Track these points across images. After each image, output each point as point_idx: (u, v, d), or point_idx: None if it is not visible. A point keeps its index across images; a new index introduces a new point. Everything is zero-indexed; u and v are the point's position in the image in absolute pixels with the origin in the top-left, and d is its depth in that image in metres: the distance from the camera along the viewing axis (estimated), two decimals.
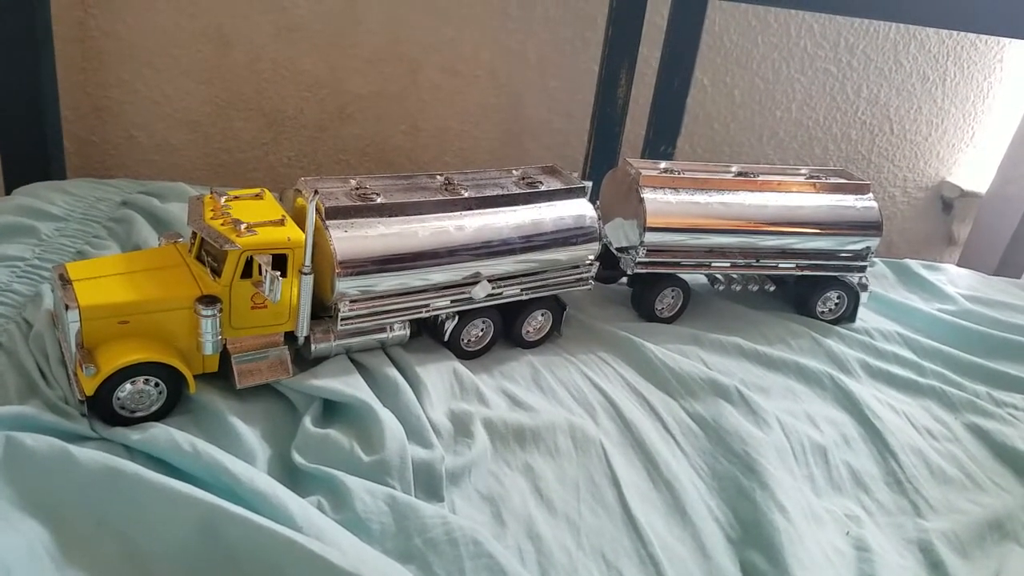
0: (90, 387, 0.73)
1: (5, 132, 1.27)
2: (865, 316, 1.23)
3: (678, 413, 0.93)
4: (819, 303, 1.20)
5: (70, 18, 1.37)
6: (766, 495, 0.79)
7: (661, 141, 1.52)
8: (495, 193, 0.98)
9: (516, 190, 1.01)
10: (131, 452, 0.73)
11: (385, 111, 1.57)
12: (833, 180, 1.20)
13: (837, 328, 1.18)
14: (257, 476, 0.68)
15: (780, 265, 1.16)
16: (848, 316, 1.21)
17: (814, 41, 1.68)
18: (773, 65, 1.68)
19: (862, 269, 1.19)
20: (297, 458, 0.75)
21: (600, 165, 1.50)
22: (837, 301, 1.21)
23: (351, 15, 1.47)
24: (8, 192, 1.24)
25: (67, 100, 1.38)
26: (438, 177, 0.99)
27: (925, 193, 1.93)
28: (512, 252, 0.97)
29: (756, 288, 1.19)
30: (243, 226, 0.79)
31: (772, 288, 1.20)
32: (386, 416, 0.79)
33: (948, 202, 1.94)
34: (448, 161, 1.64)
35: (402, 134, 1.60)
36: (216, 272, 0.80)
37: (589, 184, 1.06)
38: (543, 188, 1.02)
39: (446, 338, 0.97)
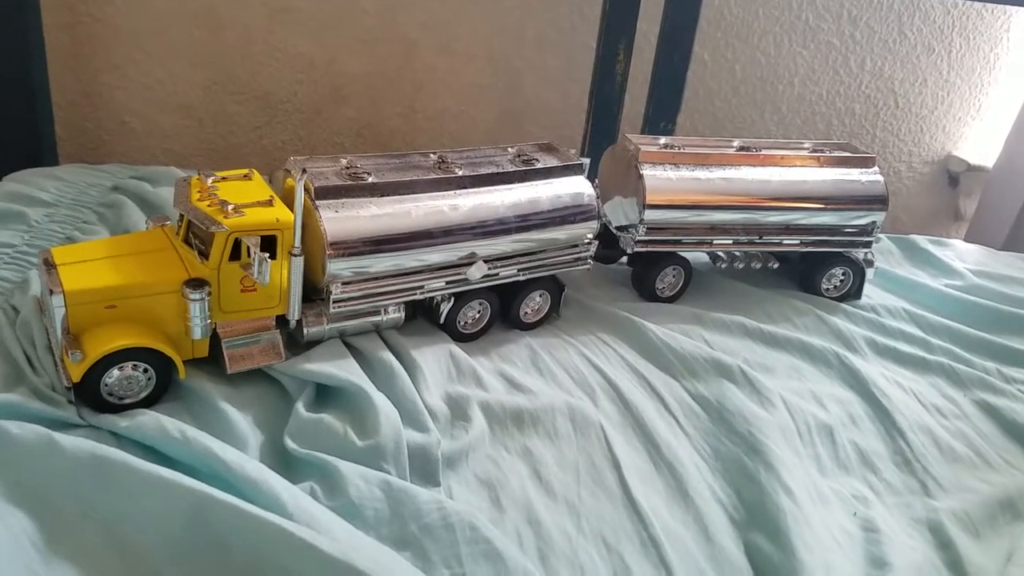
0: (77, 373, 0.72)
1: None
2: (871, 293, 1.21)
3: (680, 394, 0.92)
4: (824, 280, 1.18)
5: (59, 2, 1.34)
6: (771, 476, 0.78)
7: (661, 118, 1.49)
8: (490, 171, 0.96)
9: (512, 168, 0.98)
10: (119, 439, 0.71)
11: (380, 93, 1.54)
12: (837, 154, 1.17)
13: (843, 305, 1.16)
14: (248, 463, 0.67)
15: (784, 242, 1.13)
16: (854, 293, 1.19)
17: (816, 13, 1.65)
18: (775, 39, 1.65)
19: (868, 245, 1.17)
20: (290, 443, 0.73)
21: (599, 143, 1.47)
22: (842, 278, 1.18)
23: None
24: None
25: (58, 86, 1.35)
26: (431, 156, 0.97)
27: (931, 167, 1.90)
28: (508, 231, 0.95)
29: (759, 266, 1.17)
30: (230, 207, 0.77)
31: (776, 265, 1.17)
32: (380, 400, 0.78)
33: (954, 176, 1.91)
34: (444, 143, 1.61)
35: (398, 116, 1.57)
36: (204, 255, 0.78)
37: (587, 161, 1.03)
38: (539, 165, 1.00)
39: (442, 320, 0.95)
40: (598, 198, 1.02)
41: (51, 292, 0.71)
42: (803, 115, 1.74)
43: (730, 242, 1.11)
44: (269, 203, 0.80)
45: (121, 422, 0.71)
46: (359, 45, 1.49)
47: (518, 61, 1.57)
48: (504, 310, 1.00)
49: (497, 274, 0.96)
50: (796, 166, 1.12)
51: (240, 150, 1.53)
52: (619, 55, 1.42)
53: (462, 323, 0.97)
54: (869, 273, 1.18)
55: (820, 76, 1.71)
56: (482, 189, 0.95)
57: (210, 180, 0.82)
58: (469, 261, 0.93)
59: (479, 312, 0.98)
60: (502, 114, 1.61)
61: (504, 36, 1.54)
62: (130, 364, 0.74)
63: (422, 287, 0.91)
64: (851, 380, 0.99)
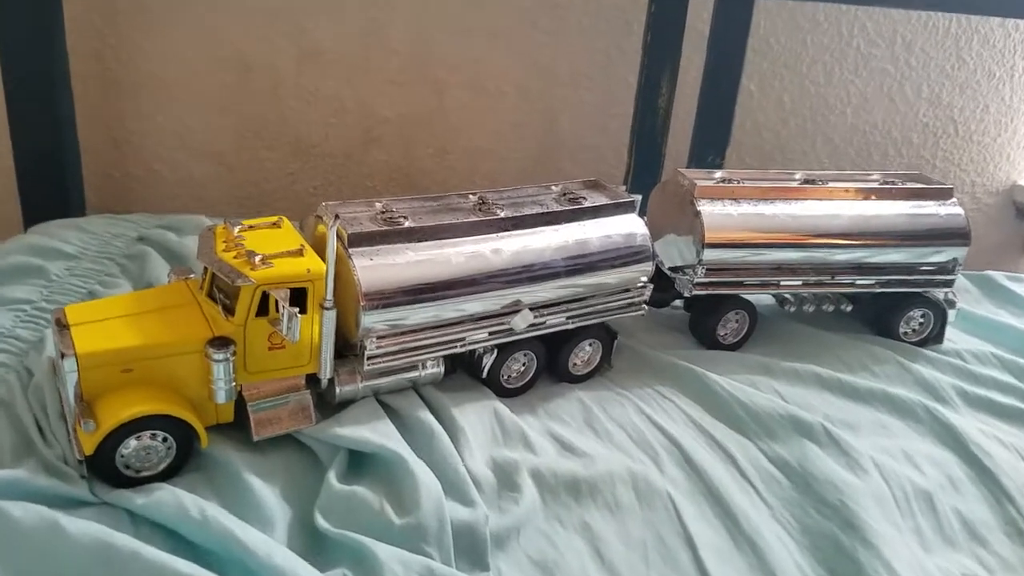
0: (90, 445, 0.65)
1: (23, 168, 1.22)
2: (953, 336, 1.10)
3: (755, 456, 0.82)
4: (902, 323, 1.07)
5: (87, 49, 1.32)
6: (870, 554, 0.67)
7: (708, 151, 1.41)
8: (534, 211, 0.89)
9: (557, 207, 0.91)
10: (134, 519, 0.64)
11: (412, 134, 1.49)
12: (910, 185, 1.08)
13: (924, 351, 1.05)
14: (274, 549, 0.59)
15: (856, 282, 1.04)
16: (935, 336, 1.09)
17: (868, 40, 1.57)
18: (825, 67, 1.57)
19: (948, 284, 1.07)
20: (321, 522, 0.66)
21: (642, 179, 1.39)
22: (922, 320, 1.08)
23: (375, 37, 1.40)
24: (26, 229, 1.19)
25: (87, 134, 1.32)
26: (471, 196, 0.90)
27: (996, 198, 1.79)
28: (555, 276, 0.87)
29: (831, 308, 1.07)
30: (258, 258, 0.71)
31: (849, 308, 1.07)
32: (420, 470, 0.70)
33: (1021, 207, 1.80)
34: (478, 183, 1.55)
35: (430, 157, 1.52)
36: (229, 310, 0.71)
37: (638, 197, 0.96)
38: (587, 204, 0.92)
39: (484, 374, 0.87)
40: (651, 238, 0.94)
41: (63, 355, 0.65)
42: (857, 145, 1.65)
43: (798, 283, 1.02)
44: (299, 253, 0.73)
45: (137, 499, 0.64)
46: (389, 87, 1.45)
47: (552, 98, 1.51)
48: (551, 361, 0.91)
49: (544, 322, 0.88)
50: (867, 199, 1.03)
51: (271, 196, 1.49)
52: (662, 88, 1.35)
53: (506, 377, 0.89)
54: (951, 315, 1.08)
55: (874, 105, 1.62)
56: (526, 231, 0.87)
57: (237, 229, 0.76)
58: (514, 309, 0.86)
59: (524, 364, 0.90)
60: (538, 152, 1.55)
61: (537, 73, 1.48)
62: (148, 433, 0.67)
63: (463, 339, 0.84)
64: (945, 436, 0.89)
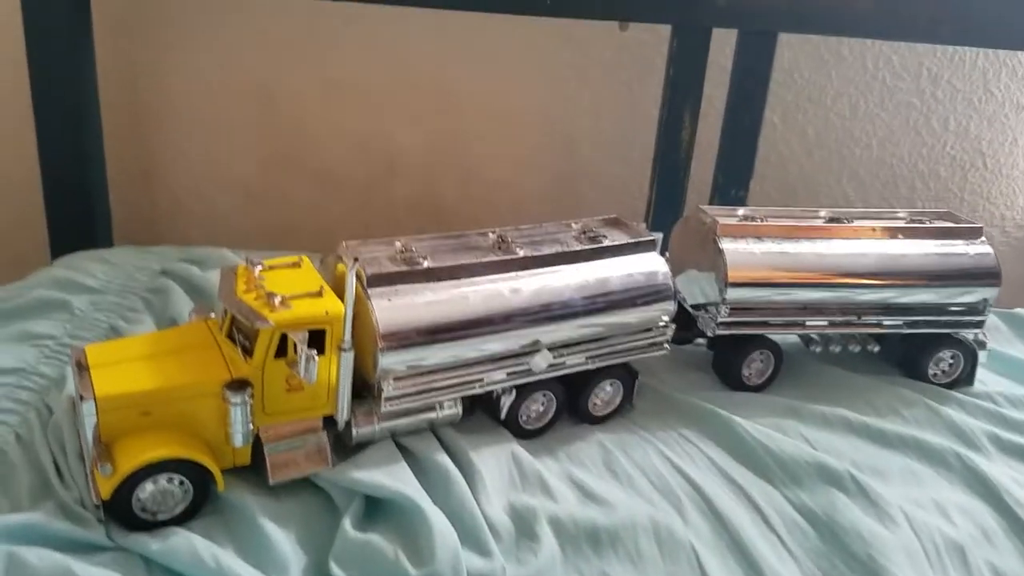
0: (107, 489, 0.65)
1: (51, 199, 1.24)
2: (985, 378, 1.07)
3: (782, 505, 0.80)
4: (931, 364, 1.05)
5: (117, 81, 1.35)
6: None
7: (731, 185, 1.40)
8: (554, 250, 0.88)
9: (577, 246, 0.90)
10: (149, 565, 0.63)
11: (435, 164, 1.50)
12: (938, 224, 1.06)
13: (955, 393, 1.02)
14: None
15: (884, 322, 1.02)
16: (965, 378, 1.06)
17: (893, 72, 1.55)
18: (850, 100, 1.55)
19: (979, 324, 1.04)
20: (336, 570, 0.65)
21: (664, 213, 1.38)
22: (951, 361, 1.05)
23: (398, 69, 1.42)
24: (53, 260, 1.20)
25: (115, 165, 1.34)
26: (490, 234, 0.89)
27: None
28: (575, 316, 0.86)
29: (858, 348, 1.04)
30: (277, 300, 0.71)
31: (876, 348, 1.05)
32: (436, 518, 0.68)
33: None
34: (500, 213, 1.55)
35: (453, 187, 1.52)
36: (248, 351, 0.71)
37: (659, 236, 0.95)
38: (607, 243, 0.92)
39: (503, 416, 0.86)
40: (672, 276, 0.93)
41: (82, 397, 0.65)
42: (883, 179, 1.63)
43: (824, 323, 1.00)
44: (319, 294, 0.73)
45: (152, 544, 0.64)
46: (413, 118, 1.46)
47: (574, 129, 1.51)
48: (571, 402, 0.90)
49: (563, 363, 0.87)
50: (894, 238, 1.01)
51: (295, 226, 1.50)
52: (684, 122, 1.34)
53: (524, 418, 0.87)
54: (982, 356, 1.05)
55: (900, 138, 1.60)
56: (545, 270, 0.86)
57: (257, 269, 0.76)
58: (532, 350, 0.85)
59: (543, 405, 0.89)
60: (559, 183, 1.55)
61: (559, 105, 1.49)
62: (165, 476, 0.67)
63: (481, 380, 0.83)
64: (977, 485, 0.86)
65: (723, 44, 1.37)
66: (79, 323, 0.93)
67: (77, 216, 1.26)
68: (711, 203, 1.42)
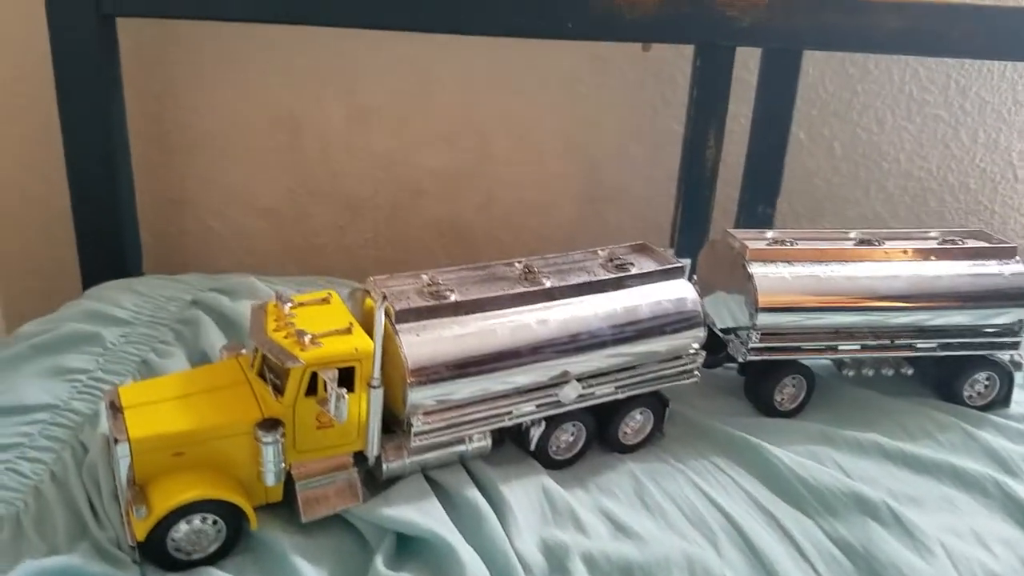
0: (142, 531, 0.65)
1: (82, 229, 1.26)
2: (1021, 399, 1.05)
3: (817, 537, 0.78)
4: (966, 386, 1.03)
5: (145, 112, 1.37)
6: None
7: (758, 202, 1.39)
8: (581, 280, 0.88)
9: (604, 274, 0.90)
10: None
11: (459, 187, 1.50)
12: (972, 244, 1.04)
13: (991, 416, 1.00)
14: None
15: (917, 345, 1.00)
16: (1001, 400, 1.03)
17: (920, 86, 1.53)
18: (876, 114, 1.53)
19: (1015, 346, 1.02)
20: None
21: (690, 233, 1.37)
22: (987, 383, 1.03)
23: (422, 94, 1.42)
24: (86, 289, 1.22)
25: (143, 193, 1.36)
26: (517, 264, 0.89)
27: None
28: (603, 346, 0.86)
29: (891, 372, 1.03)
30: (307, 338, 0.71)
31: (910, 371, 1.03)
32: (468, 557, 0.68)
33: None
34: (524, 235, 1.55)
35: (477, 209, 1.52)
36: (279, 389, 0.71)
37: (688, 262, 0.94)
38: (635, 270, 0.91)
39: (532, 447, 0.85)
40: (702, 302, 0.92)
41: (116, 440, 0.66)
42: (912, 192, 1.61)
43: (857, 347, 0.98)
44: (348, 331, 0.73)
45: None
46: (437, 140, 1.46)
47: (597, 148, 1.51)
48: (601, 431, 0.89)
49: (592, 393, 0.87)
50: (927, 259, 1.00)
51: (322, 250, 1.51)
52: (709, 141, 1.33)
53: (554, 448, 0.87)
54: (1018, 377, 1.03)
55: (928, 151, 1.58)
56: (573, 300, 0.86)
57: (287, 307, 0.76)
58: (561, 381, 0.84)
59: (573, 435, 0.88)
60: (583, 203, 1.54)
61: (582, 125, 1.48)
62: (199, 516, 0.67)
63: (510, 412, 0.83)
64: (1017, 513, 0.84)
65: (747, 59, 1.36)
66: (111, 356, 0.94)
67: (108, 245, 1.28)
68: (737, 221, 1.41)
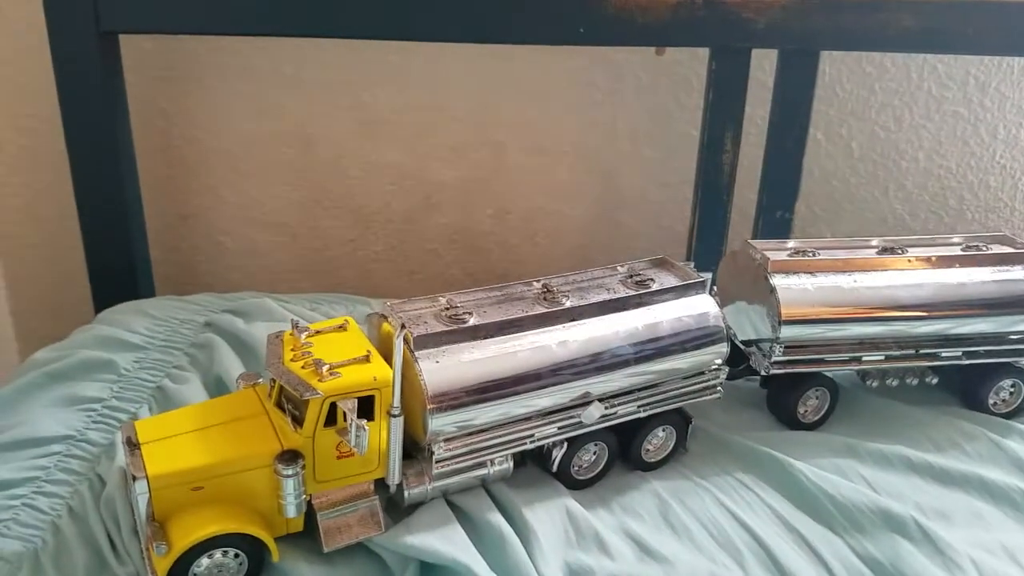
0: (163, 568, 0.64)
1: (92, 248, 1.26)
2: None
3: (845, 555, 0.77)
4: (991, 394, 1.01)
5: (152, 128, 1.36)
6: None
7: (777, 206, 1.37)
8: (600, 298, 0.86)
9: (624, 292, 0.88)
10: None
11: (471, 197, 1.49)
12: (995, 249, 1.02)
13: (1017, 424, 0.98)
14: None
15: (942, 354, 0.98)
16: None
17: (939, 83, 1.50)
18: (894, 112, 1.51)
19: None
20: None
21: (707, 239, 1.36)
22: (1012, 390, 1.01)
23: (433, 104, 1.41)
24: (97, 309, 1.22)
25: (153, 210, 1.36)
26: (535, 284, 0.88)
27: None
28: (625, 365, 0.84)
29: (915, 381, 1.01)
30: (325, 368, 0.70)
31: (934, 380, 1.01)
32: None
33: None
34: (539, 242, 1.53)
35: (490, 219, 1.51)
36: (298, 420, 0.70)
37: (708, 277, 0.92)
38: (655, 286, 0.89)
39: (554, 469, 0.84)
40: (724, 316, 0.91)
41: (134, 477, 0.65)
42: (931, 191, 1.58)
43: (881, 358, 0.97)
44: (366, 359, 0.72)
45: None
46: (448, 151, 1.45)
47: (611, 154, 1.49)
48: (623, 450, 0.88)
49: (615, 413, 0.85)
50: (950, 267, 0.98)
51: (334, 263, 1.50)
52: (726, 145, 1.31)
53: (576, 468, 0.86)
54: None
55: (947, 149, 1.55)
56: (593, 319, 0.85)
57: (304, 335, 0.75)
58: (584, 402, 0.83)
59: (595, 454, 0.87)
60: (598, 210, 1.53)
61: (595, 131, 1.47)
62: (220, 551, 0.66)
63: (532, 435, 0.81)
64: None
65: (763, 60, 1.34)
66: (126, 384, 0.93)
67: (118, 263, 1.27)
68: (756, 225, 1.39)
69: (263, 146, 1.41)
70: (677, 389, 0.89)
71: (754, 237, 1.37)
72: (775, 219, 1.37)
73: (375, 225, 1.48)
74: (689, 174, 1.37)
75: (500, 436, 0.79)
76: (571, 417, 0.82)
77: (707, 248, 1.35)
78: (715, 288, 1.04)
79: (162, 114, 1.37)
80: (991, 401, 1.01)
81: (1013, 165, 1.59)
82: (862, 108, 1.50)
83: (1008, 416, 1.01)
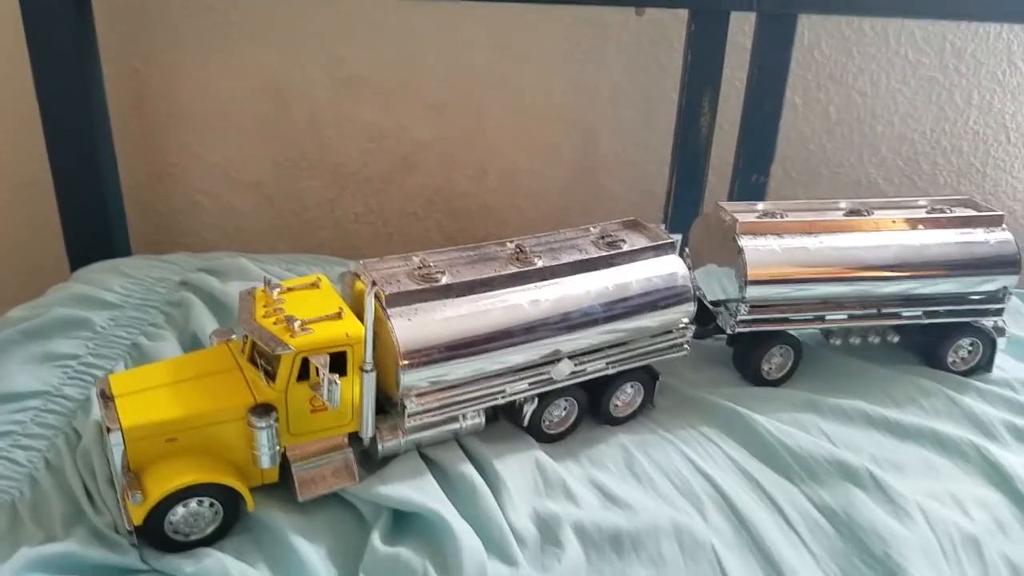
0: (138, 516, 0.66)
1: (67, 208, 1.25)
2: (1003, 364, 1.06)
3: (801, 503, 0.80)
4: (950, 352, 1.04)
5: (125, 87, 1.35)
6: None
7: (752, 169, 1.38)
8: (572, 259, 0.88)
9: (595, 252, 0.90)
10: None
11: (450, 157, 1.49)
12: (959, 212, 1.04)
13: (974, 382, 1.02)
14: None
15: (903, 313, 1.01)
16: (984, 365, 1.05)
17: (916, 48, 1.51)
18: (871, 77, 1.52)
19: (999, 312, 1.03)
20: None
21: (684, 200, 1.37)
22: (970, 349, 1.05)
23: (411, 61, 1.40)
24: (73, 268, 1.22)
25: (128, 169, 1.35)
26: (508, 244, 0.89)
27: None
28: (595, 323, 0.86)
29: (877, 340, 1.04)
30: (297, 323, 0.71)
31: (895, 339, 1.04)
32: (462, 530, 0.70)
33: None
34: (518, 203, 1.54)
35: (469, 179, 1.51)
36: (270, 375, 0.72)
37: (678, 238, 0.94)
38: (626, 247, 0.91)
39: (525, 423, 0.86)
40: (692, 276, 0.93)
41: (108, 429, 0.66)
42: (905, 155, 1.60)
43: (844, 317, 0.99)
44: (338, 316, 0.73)
45: (186, 567, 0.66)
46: (427, 111, 1.44)
47: (592, 115, 1.49)
48: (593, 405, 0.91)
49: (584, 370, 0.87)
50: (915, 229, 1.00)
51: (312, 224, 1.50)
52: (704, 108, 1.32)
53: (547, 423, 0.88)
54: (1000, 343, 1.04)
55: (922, 114, 1.57)
56: (564, 279, 0.86)
57: (276, 292, 0.76)
58: (554, 359, 0.85)
59: (565, 410, 0.89)
60: (577, 171, 1.53)
61: (576, 92, 1.47)
62: (195, 500, 0.68)
63: (503, 391, 0.83)
64: (994, 476, 0.86)
65: (743, 23, 1.34)
66: (101, 340, 0.94)
67: (93, 223, 1.26)
68: (732, 187, 1.40)
69: (237, 103, 1.39)
70: (645, 347, 0.91)
71: (730, 200, 1.39)
72: (751, 182, 1.38)
73: (353, 185, 1.48)
74: (668, 136, 1.38)
75: (472, 391, 0.81)
76: (542, 374, 0.85)
77: (684, 210, 1.36)
78: (687, 250, 1.06)
79: (134, 73, 1.36)
80: (950, 359, 1.05)
81: (986, 131, 1.61)
82: (840, 72, 1.51)
83: (966, 374, 1.04)
